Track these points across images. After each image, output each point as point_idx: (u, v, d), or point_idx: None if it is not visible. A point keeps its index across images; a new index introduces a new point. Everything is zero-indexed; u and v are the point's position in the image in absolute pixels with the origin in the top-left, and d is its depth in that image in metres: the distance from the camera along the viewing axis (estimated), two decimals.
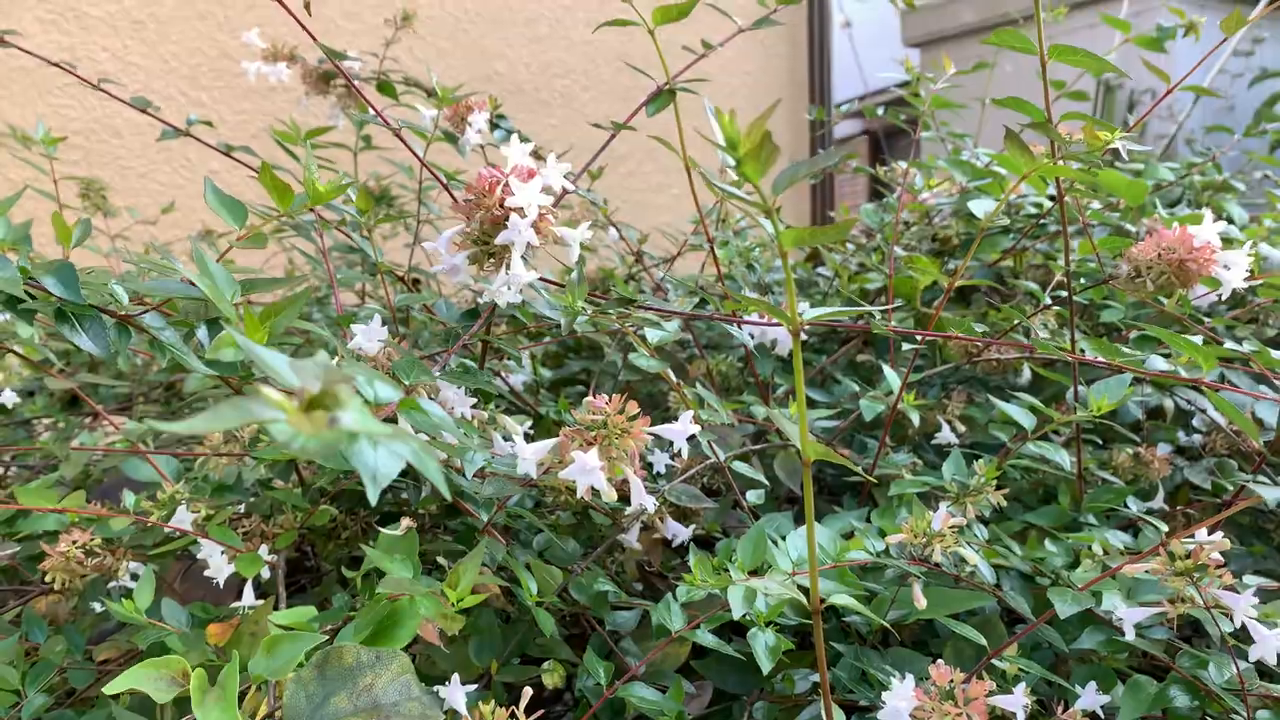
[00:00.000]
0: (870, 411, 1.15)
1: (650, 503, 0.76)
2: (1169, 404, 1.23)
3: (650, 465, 1.10)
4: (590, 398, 0.71)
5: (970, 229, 1.53)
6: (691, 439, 1.24)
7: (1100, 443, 1.28)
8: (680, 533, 1.08)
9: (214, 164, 2.89)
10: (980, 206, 1.10)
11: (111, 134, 2.82)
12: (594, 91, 3.57)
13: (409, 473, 1.03)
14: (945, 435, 1.25)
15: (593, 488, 0.69)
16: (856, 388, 1.29)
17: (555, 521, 1.09)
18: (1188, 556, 0.75)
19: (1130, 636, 0.80)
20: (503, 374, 1.29)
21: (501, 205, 0.72)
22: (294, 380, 0.42)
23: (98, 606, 1.07)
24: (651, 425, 0.76)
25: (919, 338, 1.04)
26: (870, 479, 1.10)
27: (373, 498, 0.47)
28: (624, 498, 0.84)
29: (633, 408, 0.71)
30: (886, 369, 1.15)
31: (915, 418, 1.13)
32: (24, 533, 0.90)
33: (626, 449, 0.70)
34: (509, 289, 0.75)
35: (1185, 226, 0.93)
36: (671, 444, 1.21)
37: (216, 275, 0.62)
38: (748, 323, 1.00)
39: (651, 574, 1.12)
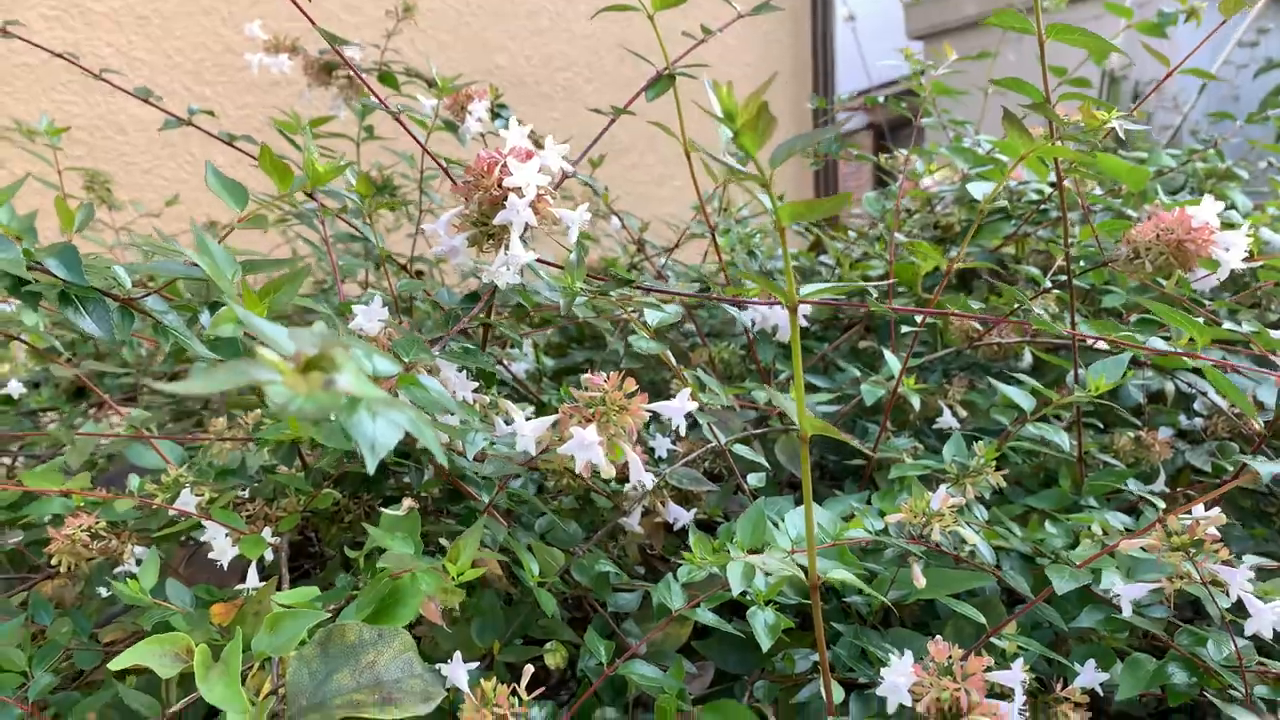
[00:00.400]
0: (871, 396, 1.16)
1: (649, 479, 0.77)
2: (1170, 387, 1.23)
3: (652, 450, 1.10)
4: (589, 375, 0.71)
5: (972, 215, 1.54)
6: (693, 425, 1.24)
7: (1101, 426, 1.29)
8: (681, 516, 1.09)
9: (218, 159, 2.90)
10: (979, 189, 1.10)
11: (116, 130, 2.83)
12: (597, 84, 3.57)
13: (410, 455, 1.04)
14: (946, 420, 1.26)
15: (592, 466, 0.69)
16: (858, 373, 1.29)
17: (558, 507, 1.10)
18: (1184, 532, 0.75)
19: (1128, 613, 0.81)
20: (505, 362, 1.30)
21: (500, 185, 0.73)
22: (291, 347, 0.42)
23: (104, 591, 1.08)
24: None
25: (919, 319, 1.05)
26: (871, 456, 1.10)
27: (371, 466, 0.47)
28: (623, 479, 0.85)
29: (630, 385, 0.72)
30: (887, 353, 1.15)
31: (916, 401, 1.13)
32: (30, 517, 0.91)
33: (625, 425, 0.71)
34: (508, 269, 0.75)
35: (1184, 208, 0.93)
36: (672, 429, 1.21)
37: (217, 254, 0.62)
38: (750, 302, 1.00)
39: (653, 557, 1.13)
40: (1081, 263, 1.09)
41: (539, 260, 0.84)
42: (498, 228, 0.75)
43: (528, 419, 1.04)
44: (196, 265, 0.70)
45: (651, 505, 1.09)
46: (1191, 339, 0.99)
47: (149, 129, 2.83)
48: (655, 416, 1.26)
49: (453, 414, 0.72)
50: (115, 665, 0.68)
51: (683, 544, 1.15)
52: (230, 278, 0.61)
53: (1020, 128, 0.84)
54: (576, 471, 0.68)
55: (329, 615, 0.76)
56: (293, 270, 0.64)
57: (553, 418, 0.73)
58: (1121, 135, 0.86)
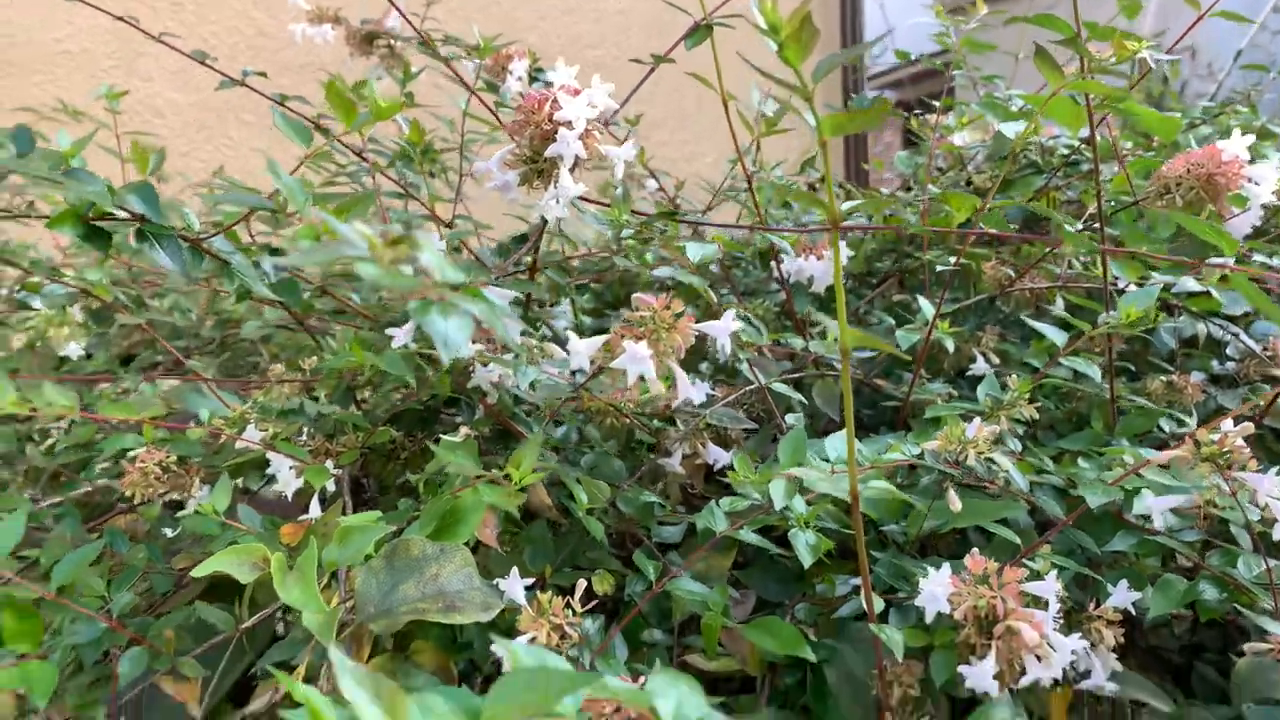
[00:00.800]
0: (906, 341, 1.18)
1: (696, 394, 0.80)
2: (1201, 329, 1.24)
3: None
4: (639, 295, 0.75)
5: (1004, 171, 1.55)
6: (732, 372, 1.27)
7: (1133, 372, 1.30)
8: (721, 457, 1.12)
9: (257, 142, 2.97)
10: (1012, 128, 1.12)
11: (153, 113, 2.90)
12: (625, 61, 3.60)
13: (460, 400, 1.08)
14: (980, 367, 1.28)
15: (640, 384, 0.73)
16: (893, 323, 1.32)
17: (603, 450, 1.14)
18: (1214, 444, 0.77)
19: (1159, 523, 0.83)
20: (547, 320, 1.34)
21: (550, 120, 0.76)
22: (376, 236, 0.46)
23: (169, 532, 1.14)
24: (692, 365, 0.80)
25: (954, 260, 1.07)
26: (905, 401, 1.12)
27: (446, 360, 0.51)
28: (668, 409, 0.89)
29: (678, 305, 0.75)
30: (921, 299, 1.18)
31: (950, 344, 1.15)
32: (106, 451, 0.96)
33: (673, 344, 0.74)
34: (557, 202, 0.79)
35: (1214, 143, 0.95)
36: (711, 375, 1.24)
37: (288, 180, 0.67)
38: (785, 230, 1.03)
39: (694, 496, 1.16)
40: (1113, 203, 1.11)
41: (584, 199, 0.87)
42: (548, 163, 0.79)
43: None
44: (266, 199, 0.74)
45: (692, 447, 1.13)
46: (1223, 278, 1.02)
47: (185, 113, 2.89)
48: (697, 365, 1.29)
49: (511, 335, 0.75)
50: (198, 572, 0.73)
51: (723, 487, 1.19)
52: (302, 201, 0.65)
53: (1052, 63, 0.87)
54: (627, 386, 0.72)
55: (394, 531, 0.80)
56: (361, 195, 0.68)
57: (604, 337, 0.77)
58: (1151, 65, 0.88)
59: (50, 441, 1.38)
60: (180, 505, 1.18)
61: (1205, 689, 1.08)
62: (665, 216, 0.93)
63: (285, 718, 0.68)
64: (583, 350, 0.76)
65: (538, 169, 0.80)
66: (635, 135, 1.17)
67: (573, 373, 0.99)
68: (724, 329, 0.78)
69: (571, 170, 0.78)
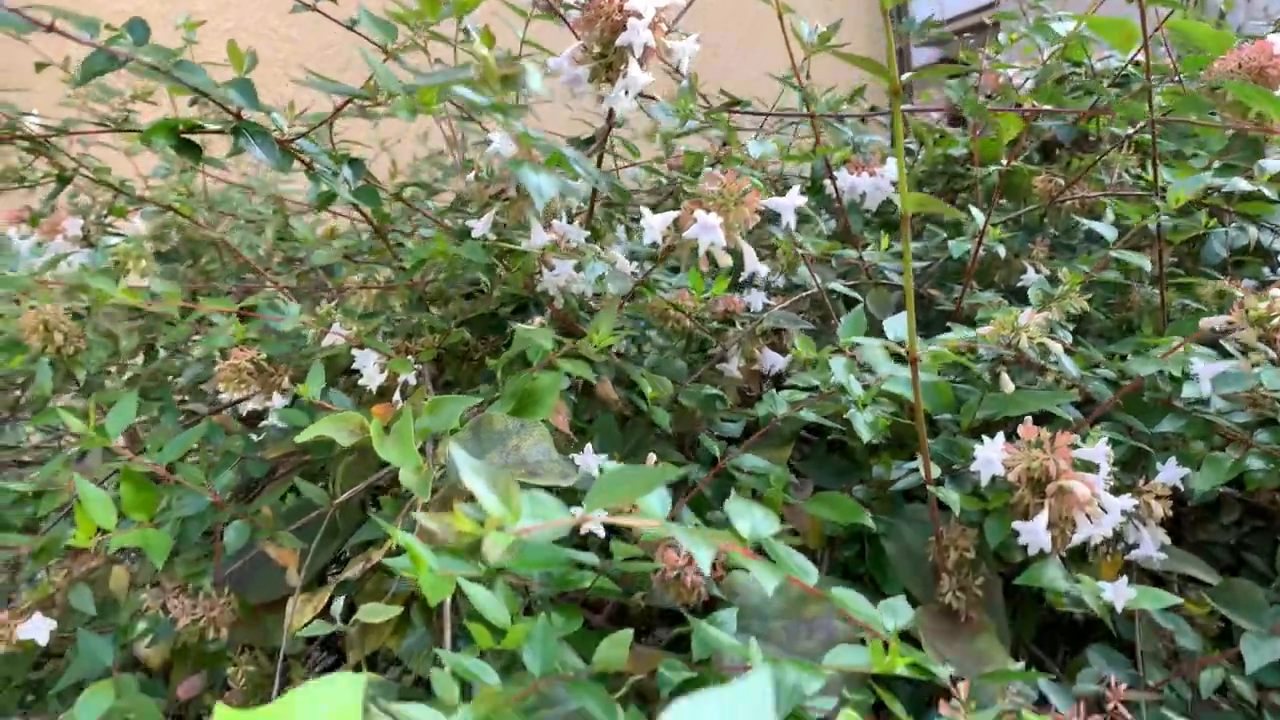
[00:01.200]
0: (958, 250, 1.21)
1: (763, 269, 0.85)
2: (1253, 233, 1.25)
3: (749, 306, 1.18)
4: (709, 170, 0.79)
5: (1055, 94, 1.56)
6: (788, 287, 1.31)
7: (1184, 275, 1.32)
8: (777, 362, 1.17)
9: (306, 96, 3.05)
10: (1063, 26, 1.14)
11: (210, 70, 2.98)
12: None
13: (528, 304, 1.13)
14: (1031, 277, 1.30)
15: (709, 259, 0.77)
16: (945, 235, 1.35)
17: (666, 357, 1.19)
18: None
19: (1206, 391, 0.86)
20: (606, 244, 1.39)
21: (621, 10, 0.81)
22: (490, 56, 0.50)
23: (254, 438, 1.21)
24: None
25: (1005, 162, 1.10)
26: (956, 309, 1.16)
27: (539, 205, 0.55)
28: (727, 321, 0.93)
29: (745, 183, 0.79)
30: (973, 208, 1.21)
31: (1001, 250, 1.18)
32: (204, 347, 1.02)
33: (741, 217, 0.78)
34: (626, 93, 0.83)
35: (1265, 38, 0.97)
36: (766, 288, 1.28)
37: (380, 68, 0.71)
38: (850, 115, 1.06)
39: (751, 399, 1.21)
40: (1165, 106, 1.12)
41: (647, 96, 0.91)
42: (617, 57, 0.83)
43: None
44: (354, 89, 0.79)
45: (748, 354, 1.17)
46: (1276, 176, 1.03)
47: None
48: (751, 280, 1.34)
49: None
50: (301, 438, 0.79)
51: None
52: (397, 86, 0.70)
53: None
54: (700, 254, 0.76)
55: (479, 403, 0.86)
56: (454, 69, 0.72)
57: (676, 213, 0.81)
58: None
59: (129, 375, 1.45)
60: (261, 417, 1.25)
61: (1255, 580, 1.11)
62: (729, 107, 0.97)
63: (386, 564, 0.74)
64: (656, 224, 0.80)
65: (606, 63, 0.84)
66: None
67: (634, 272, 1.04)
68: (789, 204, 0.82)
69: (640, 62, 0.82)
